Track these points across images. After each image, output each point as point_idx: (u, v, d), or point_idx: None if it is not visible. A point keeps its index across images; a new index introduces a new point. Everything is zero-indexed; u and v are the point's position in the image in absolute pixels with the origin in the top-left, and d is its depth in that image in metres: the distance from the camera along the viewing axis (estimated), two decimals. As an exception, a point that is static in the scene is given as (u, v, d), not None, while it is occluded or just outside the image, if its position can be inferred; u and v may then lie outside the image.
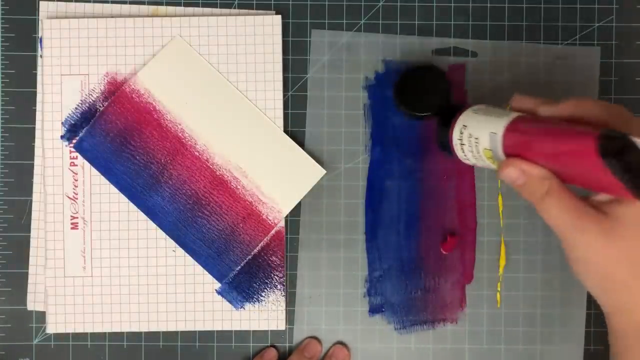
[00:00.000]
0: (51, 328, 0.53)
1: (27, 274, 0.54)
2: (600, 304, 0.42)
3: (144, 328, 0.54)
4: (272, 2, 0.55)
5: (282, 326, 0.54)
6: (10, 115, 0.54)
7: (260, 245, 0.53)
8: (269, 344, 0.54)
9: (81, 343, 0.54)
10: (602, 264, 0.40)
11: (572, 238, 0.40)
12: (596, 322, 0.54)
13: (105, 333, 0.54)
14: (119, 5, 0.54)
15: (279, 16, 0.54)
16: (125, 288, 0.53)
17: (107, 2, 0.54)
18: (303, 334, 0.54)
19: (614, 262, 0.40)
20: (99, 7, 0.54)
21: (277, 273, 0.54)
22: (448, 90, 0.50)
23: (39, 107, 0.54)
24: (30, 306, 0.54)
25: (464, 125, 0.43)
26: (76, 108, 0.53)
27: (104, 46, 0.53)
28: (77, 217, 0.53)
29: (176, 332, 0.54)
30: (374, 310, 0.54)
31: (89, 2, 0.54)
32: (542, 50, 0.54)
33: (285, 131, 0.54)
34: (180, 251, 0.53)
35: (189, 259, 0.53)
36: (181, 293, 0.54)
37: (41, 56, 0.54)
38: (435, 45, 0.54)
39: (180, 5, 0.54)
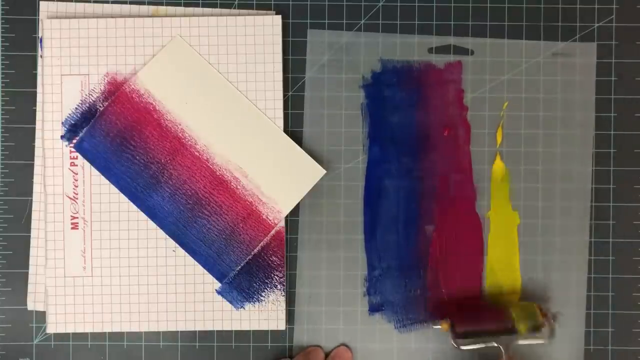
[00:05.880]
0: (51, 328, 0.53)
1: (27, 274, 0.54)
2: None
3: (144, 328, 0.54)
4: (272, 2, 0.55)
5: (282, 326, 0.54)
6: (10, 115, 0.55)
7: (260, 245, 0.53)
8: (269, 344, 0.54)
9: (81, 343, 0.54)
10: None
11: None
12: (596, 322, 0.54)
13: (105, 333, 0.54)
14: (119, 5, 0.54)
15: (279, 16, 0.54)
16: (125, 288, 0.53)
17: (107, 2, 0.54)
18: (303, 333, 0.54)
19: None
20: (99, 7, 0.54)
21: (277, 273, 0.54)
22: None
23: (39, 107, 0.54)
24: (30, 306, 0.54)
25: None
26: (76, 108, 0.53)
27: (104, 46, 0.53)
28: (77, 217, 0.53)
29: (176, 332, 0.54)
30: (373, 309, 0.54)
31: (89, 2, 0.54)
32: (540, 48, 0.54)
33: (285, 131, 0.54)
34: (180, 251, 0.53)
35: (189, 259, 0.53)
36: (181, 293, 0.54)
37: (41, 56, 0.54)
38: (434, 44, 0.54)
39: (180, 5, 0.55)
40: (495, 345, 0.51)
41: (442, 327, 0.52)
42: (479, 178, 0.54)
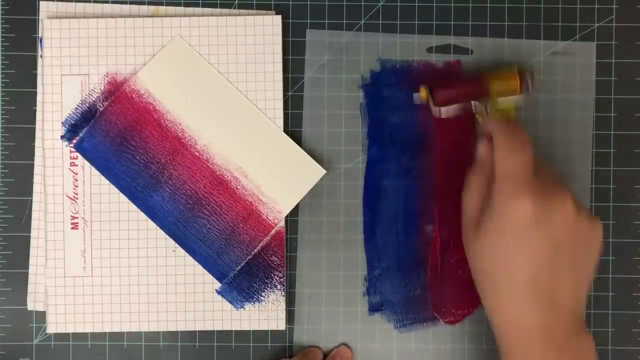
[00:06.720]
0: (51, 328, 0.53)
1: (27, 274, 0.54)
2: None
3: (144, 328, 0.54)
4: (272, 2, 0.55)
5: (282, 326, 0.54)
6: (10, 115, 0.55)
7: (260, 245, 0.53)
8: (269, 344, 0.54)
9: (81, 343, 0.54)
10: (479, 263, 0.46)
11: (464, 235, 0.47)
12: (596, 322, 0.54)
13: (105, 333, 0.54)
14: (119, 5, 0.54)
15: (279, 16, 0.54)
16: (125, 288, 0.53)
17: (107, 2, 0.54)
18: (303, 333, 0.54)
19: (488, 260, 0.44)
20: (99, 7, 0.54)
21: (277, 273, 0.54)
22: None
23: (39, 107, 0.54)
24: (30, 306, 0.54)
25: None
26: (76, 108, 0.53)
27: (104, 46, 0.53)
28: (77, 217, 0.53)
29: (176, 332, 0.54)
30: (373, 308, 0.54)
31: (89, 2, 0.54)
32: (540, 48, 0.54)
33: (285, 131, 0.54)
34: (180, 251, 0.53)
35: (189, 259, 0.53)
36: (181, 293, 0.54)
37: (41, 56, 0.54)
38: (434, 43, 0.54)
39: (180, 5, 0.55)
40: (474, 106, 0.50)
41: (420, 94, 0.51)
42: (479, 178, 0.54)
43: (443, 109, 0.51)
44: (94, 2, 0.54)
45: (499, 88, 0.50)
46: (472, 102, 0.51)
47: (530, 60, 0.54)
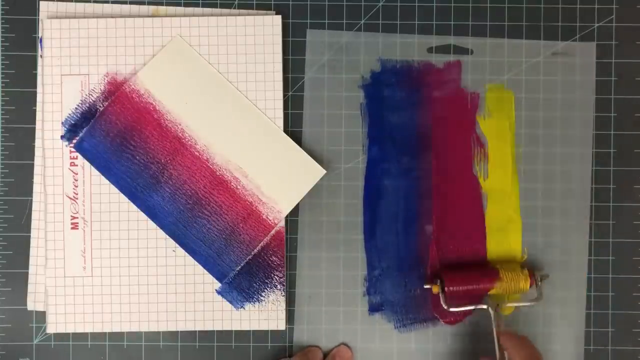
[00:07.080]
0: (51, 328, 0.53)
1: (27, 274, 0.54)
2: None
3: (144, 328, 0.54)
4: (272, 2, 0.55)
5: (282, 326, 0.54)
6: (10, 115, 0.55)
7: (260, 245, 0.53)
8: (269, 344, 0.54)
9: (81, 343, 0.54)
10: None
11: None
12: (596, 322, 0.54)
13: (105, 333, 0.54)
14: (119, 5, 0.54)
15: (279, 16, 0.54)
16: (125, 288, 0.53)
17: (107, 2, 0.54)
18: (303, 333, 0.54)
19: None
20: (99, 7, 0.54)
21: (277, 273, 0.54)
22: None
23: (39, 107, 0.54)
24: (30, 306, 0.54)
25: None
26: (76, 108, 0.53)
27: (104, 46, 0.53)
28: (77, 217, 0.53)
29: (176, 332, 0.54)
30: (373, 308, 0.54)
31: (89, 2, 0.54)
32: (540, 48, 0.54)
33: (285, 131, 0.54)
34: (180, 251, 0.53)
35: (189, 259, 0.53)
36: (181, 293, 0.54)
37: (41, 56, 0.54)
38: (434, 44, 0.54)
39: (180, 5, 0.55)
40: (485, 307, 0.52)
41: (432, 290, 0.52)
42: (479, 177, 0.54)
43: (452, 308, 0.52)
44: (94, 2, 0.54)
45: (508, 287, 0.52)
46: (485, 302, 0.52)
47: (530, 61, 0.54)
